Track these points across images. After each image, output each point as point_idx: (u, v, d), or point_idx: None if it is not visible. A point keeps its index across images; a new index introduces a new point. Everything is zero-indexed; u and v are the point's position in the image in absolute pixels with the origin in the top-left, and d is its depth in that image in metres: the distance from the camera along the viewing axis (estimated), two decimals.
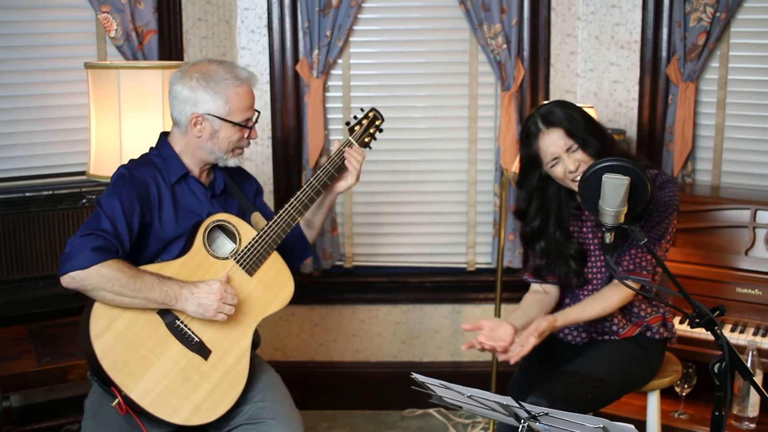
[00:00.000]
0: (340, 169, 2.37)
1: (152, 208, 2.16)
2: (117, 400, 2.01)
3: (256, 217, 2.31)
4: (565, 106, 2.32)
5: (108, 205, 2.09)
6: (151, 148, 2.28)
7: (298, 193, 2.28)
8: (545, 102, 2.42)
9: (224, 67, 2.20)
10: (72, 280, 2.01)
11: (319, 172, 2.33)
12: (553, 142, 2.28)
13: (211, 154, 2.22)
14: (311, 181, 2.31)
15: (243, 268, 2.19)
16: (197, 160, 2.24)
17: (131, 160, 2.24)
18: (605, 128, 2.39)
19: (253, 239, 2.21)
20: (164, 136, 2.29)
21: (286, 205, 2.26)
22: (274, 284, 2.24)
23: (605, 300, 2.35)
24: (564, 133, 2.27)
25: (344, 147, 2.36)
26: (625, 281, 2.11)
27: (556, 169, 2.31)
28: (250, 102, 2.23)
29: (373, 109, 2.45)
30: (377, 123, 2.44)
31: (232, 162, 2.26)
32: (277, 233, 2.23)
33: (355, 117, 2.45)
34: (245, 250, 2.20)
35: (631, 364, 2.37)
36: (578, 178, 2.26)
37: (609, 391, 2.30)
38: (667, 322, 2.46)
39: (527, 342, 2.26)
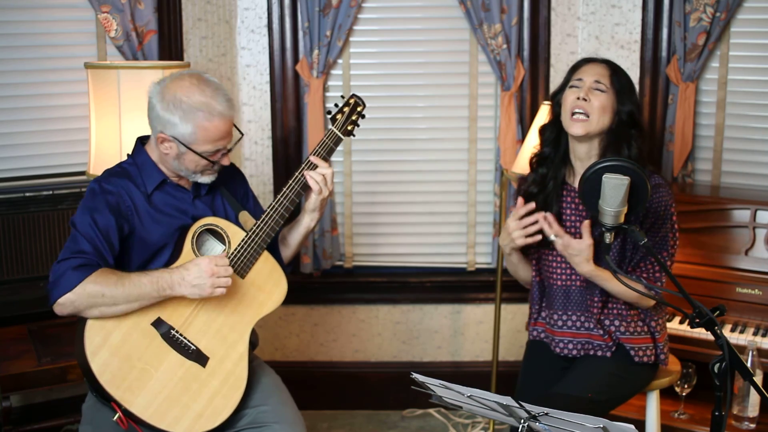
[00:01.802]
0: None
1: (129, 219, 2.13)
2: (117, 414, 2.00)
3: (244, 216, 2.28)
4: (628, 75, 2.35)
5: (82, 224, 2.06)
6: (128, 156, 2.25)
7: (285, 189, 2.26)
8: None
9: (203, 93, 2.10)
10: (63, 306, 1.99)
11: (309, 156, 2.30)
12: (593, 69, 2.30)
13: (179, 171, 2.18)
14: (296, 175, 2.28)
15: (234, 270, 2.16)
16: (171, 171, 2.21)
17: (105, 171, 2.21)
18: (645, 131, 2.38)
19: (242, 241, 2.19)
20: (140, 143, 2.25)
21: (273, 203, 2.23)
22: (266, 284, 2.22)
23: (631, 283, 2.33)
24: (608, 72, 2.29)
25: (304, 168, 2.28)
26: (621, 278, 2.09)
27: (570, 92, 2.30)
28: (220, 135, 2.13)
29: (353, 96, 2.38)
30: (359, 109, 2.38)
31: (203, 179, 2.20)
32: (266, 232, 2.21)
33: (336, 105, 2.38)
34: (235, 253, 2.18)
35: (622, 378, 2.35)
36: (577, 113, 2.27)
37: (602, 408, 2.29)
38: (658, 343, 2.41)
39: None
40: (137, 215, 2.14)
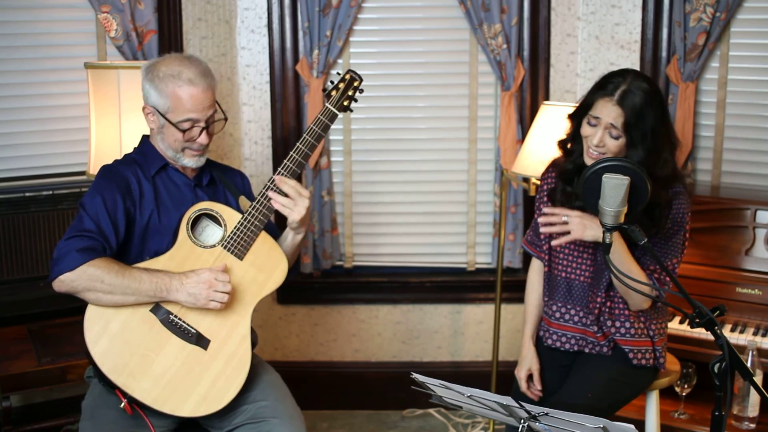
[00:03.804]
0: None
1: (135, 203, 2.18)
2: (123, 402, 2.01)
3: (243, 201, 2.30)
4: (650, 97, 2.22)
5: (90, 204, 2.11)
6: (134, 148, 2.32)
7: (279, 168, 2.24)
8: (643, 75, 2.30)
9: (181, 64, 2.18)
10: (62, 283, 2.03)
11: (305, 135, 2.26)
12: (607, 112, 2.23)
13: (167, 150, 2.23)
14: (291, 154, 2.24)
15: (232, 253, 2.18)
16: (165, 155, 2.26)
17: (114, 161, 2.27)
18: (675, 144, 2.30)
19: (238, 222, 2.20)
20: (146, 137, 2.32)
21: (267, 182, 2.23)
22: (266, 265, 2.22)
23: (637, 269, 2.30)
24: (622, 120, 2.22)
25: (266, 190, 2.21)
26: (625, 280, 2.09)
27: (588, 128, 2.28)
28: (193, 105, 2.16)
29: (349, 71, 2.34)
30: (355, 84, 2.33)
31: (187, 161, 2.23)
32: (262, 212, 2.21)
33: (331, 82, 2.34)
34: (231, 235, 2.19)
35: (622, 382, 2.36)
36: (593, 153, 2.26)
37: (604, 413, 2.28)
38: (656, 347, 2.41)
39: None
40: (141, 199, 2.19)
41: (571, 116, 2.40)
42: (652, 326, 2.41)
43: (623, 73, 2.27)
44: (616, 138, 2.24)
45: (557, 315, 2.46)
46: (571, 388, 2.34)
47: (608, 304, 2.39)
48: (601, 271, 2.38)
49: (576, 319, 2.43)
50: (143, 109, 2.23)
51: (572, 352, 2.45)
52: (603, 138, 2.25)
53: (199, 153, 2.24)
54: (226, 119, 2.27)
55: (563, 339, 2.45)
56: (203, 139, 2.21)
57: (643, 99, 2.21)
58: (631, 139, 2.23)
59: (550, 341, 2.47)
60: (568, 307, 2.45)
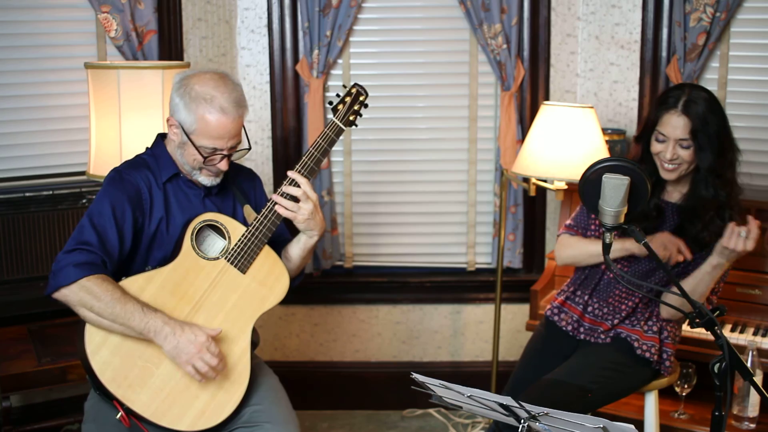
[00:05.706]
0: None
1: (145, 214, 2.14)
2: (120, 413, 2.00)
3: (248, 210, 2.27)
4: (711, 104, 2.31)
5: (97, 213, 2.07)
6: (146, 148, 2.26)
7: (284, 182, 2.21)
8: (699, 85, 2.41)
9: (216, 88, 2.10)
10: (57, 296, 2.02)
11: (310, 148, 2.23)
12: (674, 126, 2.31)
13: (184, 165, 2.18)
14: (297, 168, 2.22)
15: (235, 266, 2.16)
16: (180, 165, 2.21)
17: (124, 163, 2.22)
18: (736, 148, 2.37)
19: (242, 236, 2.18)
20: (160, 137, 2.27)
21: (273, 196, 2.21)
22: (268, 279, 2.21)
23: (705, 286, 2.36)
24: (689, 129, 2.29)
25: (272, 204, 2.19)
26: (629, 283, 2.11)
27: (658, 145, 2.35)
28: (220, 133, 2.10)
29: (355, 85, 2.31)
30: (361, 98, 2.31)
31: (203, 179, 2.19)
32: (267, 227, 2.18)
33: (338, 95, 2.32)
34: (235, 248, 2.17)
35: (620, 372, 2.38)
36: (668, 166, 2.34)
37: (595, 399, 2.31)
38: (666, 347, 2.44)
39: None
40: (151, 208, 2.16)
41: (637, 138, 2.47)
42: (668, 327, 2.46)
43: (680, 87, 2.37)
44: (687, 147, 2.31)
45: (578, 300, 2.52)
46: (566, 371, 2.37)
47: (628, 301, 2.45)
48: (646, 276, 2.43)
49: (590, 309, 2.49)
50: (167, 120, 2.16)
51: (578, 339, 2.50)
52: (675, 151, 2.32)
53: (216, 175, 2.20)
54: (249, 148, 2.23)
55: (575, 324, 2.50)
56: (223, 165, 2.16)
57: (705, 106, 2.30)
58: (699, 144, 2.30)
59: (556, 318, 2.54)
60: (587, 297, 2.50)
